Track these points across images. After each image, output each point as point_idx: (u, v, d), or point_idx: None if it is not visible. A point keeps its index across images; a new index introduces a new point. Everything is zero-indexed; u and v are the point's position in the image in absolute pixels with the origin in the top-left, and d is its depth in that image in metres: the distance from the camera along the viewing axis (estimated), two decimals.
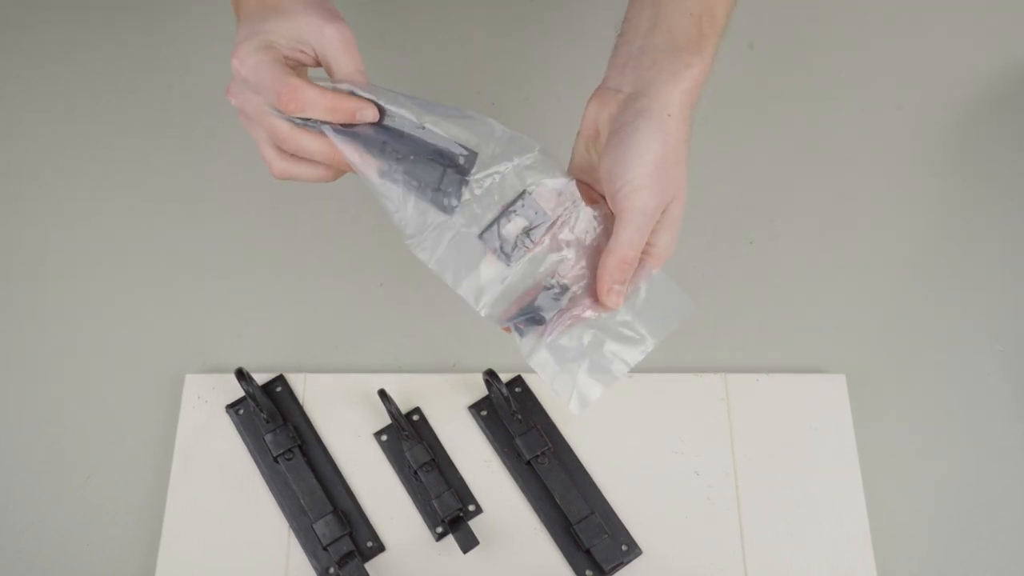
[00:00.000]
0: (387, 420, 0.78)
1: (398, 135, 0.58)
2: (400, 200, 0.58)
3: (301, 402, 0.79)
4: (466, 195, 0.58)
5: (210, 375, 0.80)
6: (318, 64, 0.59)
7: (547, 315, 0.58)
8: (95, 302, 0.85)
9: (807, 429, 0.79)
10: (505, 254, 0.58)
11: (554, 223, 0.59)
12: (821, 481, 0.76)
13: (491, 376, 0.75)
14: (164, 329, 0.84)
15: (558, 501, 0.74)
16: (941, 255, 0.89)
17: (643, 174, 0.56)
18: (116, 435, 0.79)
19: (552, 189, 0.59)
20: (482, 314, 0.58)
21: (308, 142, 0.57)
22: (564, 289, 0.59)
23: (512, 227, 0.58)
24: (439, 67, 0.99)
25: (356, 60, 0.58)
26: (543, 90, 0.97)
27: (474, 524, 0.74)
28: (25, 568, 0.74)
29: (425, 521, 0.75)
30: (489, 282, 0.58)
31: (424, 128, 0.58)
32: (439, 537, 0.74)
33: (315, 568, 0.73)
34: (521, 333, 0.58)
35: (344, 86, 0.57)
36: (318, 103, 0.55)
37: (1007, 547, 0.76)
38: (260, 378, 0.79)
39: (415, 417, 0.79)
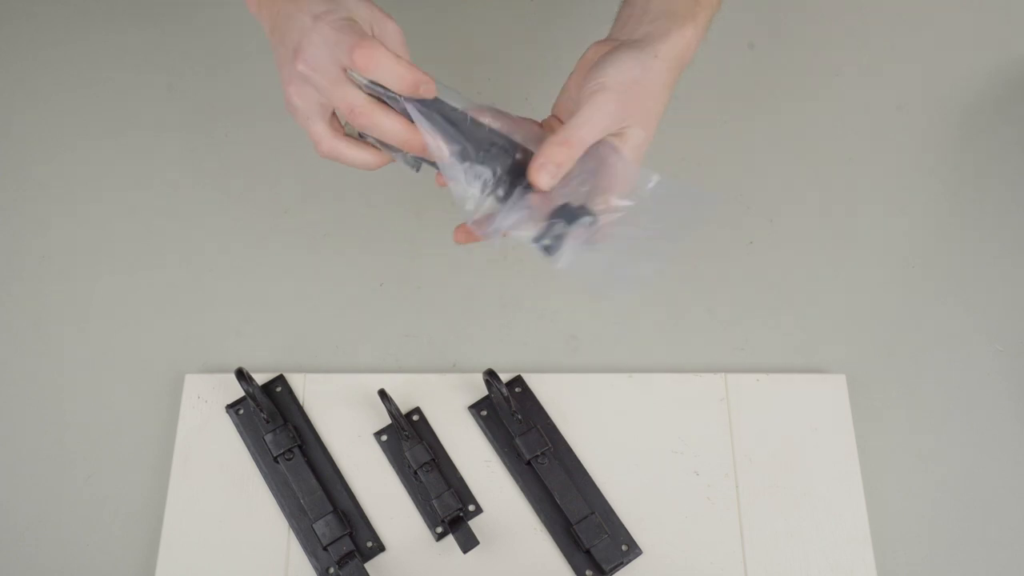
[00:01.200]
0: (387, 420, 0.78)
1: (462, 121, 0.60)
2: (469, 183, 0.59)
3: (301, 402, 0.79)
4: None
5: (210, 375, 0.80)
6: None
7: (572, 230, 0.59)
8: (95, 302, 0.85)
9: (807, 429, 0.79)
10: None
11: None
12: (821, 481, 0.76)
13: (491, 376, 0.75)
14: (164, 329, 0.84)
15: (558, 501, 0.74)
16: (941, 255, 0.89)
17: (614, 80, 0.57)
18: (116, 435, 0.79)
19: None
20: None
21: (383, 118, 0.58)
22: (590, 217, 0.59)
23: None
24: (439, 67, 0.98)
25: (407, 56, 0.61)
26: (543, 90, 0.97)
27: (474, 524, 0.74)
28: (25, 568, 0.74)
29: (425, 521, 0.75)
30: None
31: (483, 124, 0.60)
32: (439, 537, 0.74)
33: (315, 568, 0.73)
34: (549, 250, 0.58)
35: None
36: (389, 67, 0.57)
37: (1007, 547, 0.76)
38: (260, 378, 0.79)
39: (415, 417, 0.79)
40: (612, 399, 0.80)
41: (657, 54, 0.59)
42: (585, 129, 0.57)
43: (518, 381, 0.80)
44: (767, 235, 0.89)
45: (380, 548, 0.74)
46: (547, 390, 0.80)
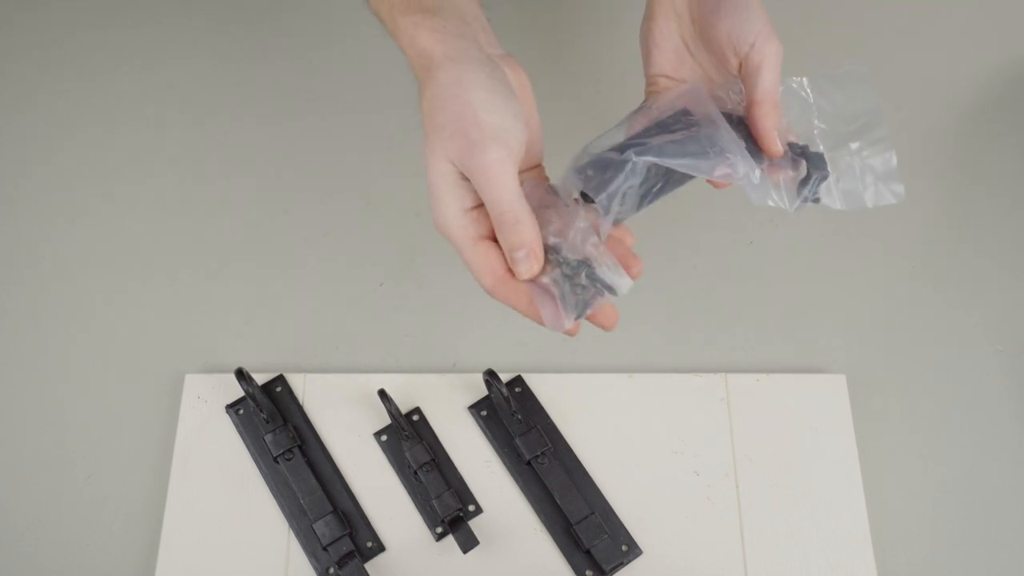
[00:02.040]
0: (387, 420, 0.78)
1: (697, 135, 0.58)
2: (749, 164, 0.59)
3: (301, 402, 0.79)
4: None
5: (210, 375, 0.80)
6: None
7: (818, 174, 0.61)
8: (95, 302, 0.85)
9: (807, 429, 0.79)
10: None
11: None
12: (821, 481, 0.76)
13: (491, 376, 0.75)
14: (164, 329, 0.84)
15: (558, 501, 0.74)
16: (941, 255, 0.89)
17: (764, 24, 0.60)
18: (116, 435, 0.79)
19: None
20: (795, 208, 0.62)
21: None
22: (820, 149, 0.62)
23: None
24: None
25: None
26: (543, 92, 0.97)
27: (474, 524, 0.74)
28: (25, 568, 0.74)
29: (425, 521, 0.75)
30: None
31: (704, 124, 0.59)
32: (439, 537, 0.74)
33: (315, 568, 0.73)
34: (817, 201, 0.61)
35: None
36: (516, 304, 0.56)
37: (1007, 547, 0.76)
38: (260, 378, 0.79)
39: (415, 417, 0.79)
40: (612, 399, 0.80)
41: None
42: (777, 81, 0.60)
43: (518, 381, 0.80)
44: (767, 235, 0.89)
45: (380, 548, 0.74)
46: (547, 390, 0.80)
